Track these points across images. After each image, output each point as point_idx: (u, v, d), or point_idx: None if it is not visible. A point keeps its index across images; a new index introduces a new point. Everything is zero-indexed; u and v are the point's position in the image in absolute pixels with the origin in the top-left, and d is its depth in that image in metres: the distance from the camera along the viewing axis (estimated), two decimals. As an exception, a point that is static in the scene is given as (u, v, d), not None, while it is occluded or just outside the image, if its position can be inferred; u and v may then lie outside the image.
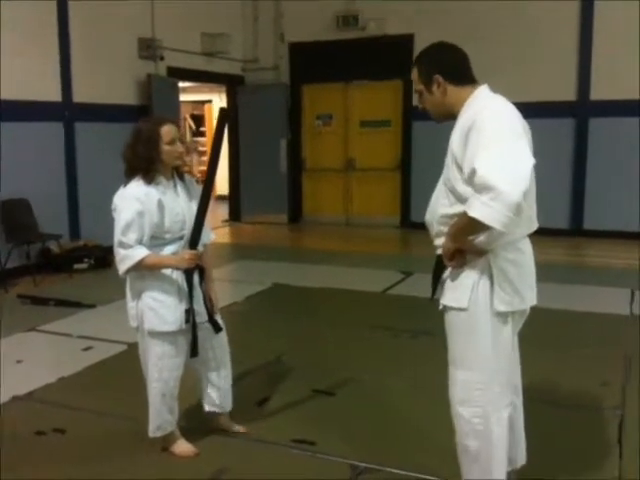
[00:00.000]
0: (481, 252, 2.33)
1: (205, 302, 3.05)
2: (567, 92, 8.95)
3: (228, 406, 3.33)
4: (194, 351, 3.03)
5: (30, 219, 6.95)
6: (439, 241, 2.43)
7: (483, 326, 2.37)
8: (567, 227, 9.16)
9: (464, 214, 2.19)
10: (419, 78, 2.47)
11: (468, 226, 2.21)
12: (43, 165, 7.26)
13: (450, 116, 2.46)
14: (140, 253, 2.83)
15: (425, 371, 4.10)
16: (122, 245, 2.84)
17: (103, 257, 7.35)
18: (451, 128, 2.42)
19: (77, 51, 7.52)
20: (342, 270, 7.15)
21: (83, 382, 4.10)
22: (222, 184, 12.08)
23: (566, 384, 3.94)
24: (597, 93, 8.77)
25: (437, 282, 2.49)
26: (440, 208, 2.43)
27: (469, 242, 2.31)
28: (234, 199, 11.03)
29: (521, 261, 2.44)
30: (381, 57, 9.88)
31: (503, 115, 2.30)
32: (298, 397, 3.77)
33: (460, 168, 2.28)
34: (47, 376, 4.10)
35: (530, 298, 2.50)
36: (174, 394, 3.08)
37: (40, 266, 7.02)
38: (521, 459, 2.72)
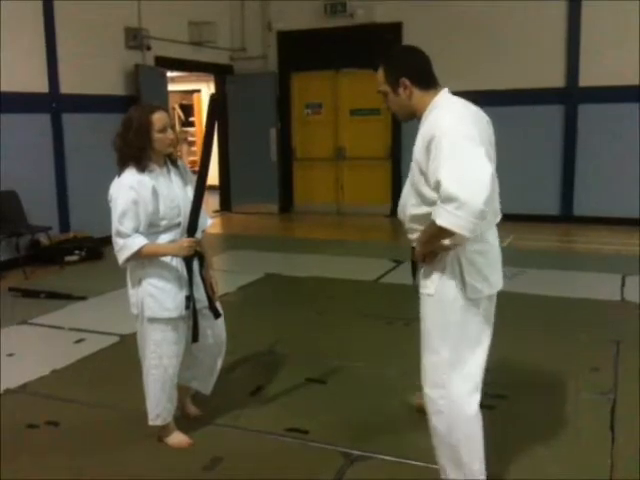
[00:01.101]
0: (450, 248, 2.46)
1: (205, 288, 3.07)
2: (556, 79, 8.96)
3: (209, 390, 3.36)
4: (195, 337, 3.05)
5: (19, 211, 6.91)
6: (411, 236, 2.59)
7: (451, 312, 2.49)
8: (557, 213, 9.20)
9: (432, 223, 2.31)
10: (385, 79, 2.54)
11: (437, 233, 2.34)
12: (31, 157, 7.21)
13: (411, 117, 2.57)
14: (138, 242, 2.84)
15: (418, 358, 4.12)
16: (120, 234, 2.84)
17: (94, 249, 7.33)
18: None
19: (63, 42, 7.46)
20: (334, 259, 7.16)
21: (76, 374, 4.09)
22: (212, 174, 11.90)
23: (557, 369, 3.96)
24: (586, 79, 8.79)
25: (415, 271, 2.67)
26: (410, 208, 2.56)
27: (438, 245, 2.44)
28: (224, 189, 11.00)
29: (487, 250, 2.55)
30: (370, 45, 9.84)
31: (460, 126, 2.37)
32: (291, 386, 3.78)
33: (424, 174, 2.41)
34: (39, 369, 4.09)
35: (497, 283, 2.59)
36: (174, 382, 3.09)
37: (30, 258, 7.00)
38: None
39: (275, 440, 3.18)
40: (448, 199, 2.22)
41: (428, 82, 2.53)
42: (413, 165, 2.50)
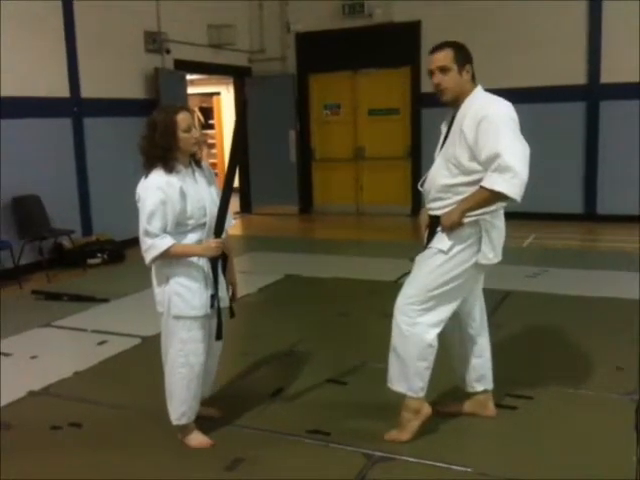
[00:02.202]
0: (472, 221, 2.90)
1: (227, 288, 3.14)
2: (577, 76, 8.87)
3: (210, 391, 3.38)
4: (219, 334, 3.09)
5: (42, 215, 6.99)
6: (434, 204, 3.00)
7: (456, 269, 2.95)
8: (580, 212, 9.10)
9: (481, 190, 2.79)
10: (454, 59, 2.94)
11: (488, 199, 2.81)
12: (53, 161, 7.28)
13: (455, 99, 2.97)
14: (166, 242, 2.88)
15: (438, 359, 4.10)
16: (148, 234, 2.88)
17: (116, 251, 7.39)
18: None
19: (83, 46, 7.52)
20: (354, 260, 7.14)
21: (98, 376, 4.11)
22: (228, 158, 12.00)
23: (581, 369, 3.92)
24: (607, 76, 8.69)
25: (432, 236, 3.01)
26: (441, 179, 2.96)
27: (471, 215, 2.86)
28: (244, 191, 11.03)
29: (499, 226, 3.01)
30: (388, 44, 9.82)
31: (508, 111, 2.89)
32: (312, 387, 3.77)
33: (469, 147, 2.84)
34: (62, 371, 4.12)
35: (499, 254, 3.03)
36: (199, 380, 3.10)
37: (53, 262, 7.07)
38: (478, 383, 3.28)
39: (296, 441, 3.18)
40: (506, 169, 2.72)
41: (475, 77, 3.02)
42: (454, 140, 2.91)
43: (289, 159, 10.60)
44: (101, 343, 4.68)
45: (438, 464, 2.92)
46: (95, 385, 3.97)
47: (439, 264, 2.95)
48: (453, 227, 2.89)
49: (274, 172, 10.58)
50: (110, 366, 4.28)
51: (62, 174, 7.42)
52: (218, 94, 13.82)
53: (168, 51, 8.69)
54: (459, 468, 2.88)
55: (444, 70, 2.94)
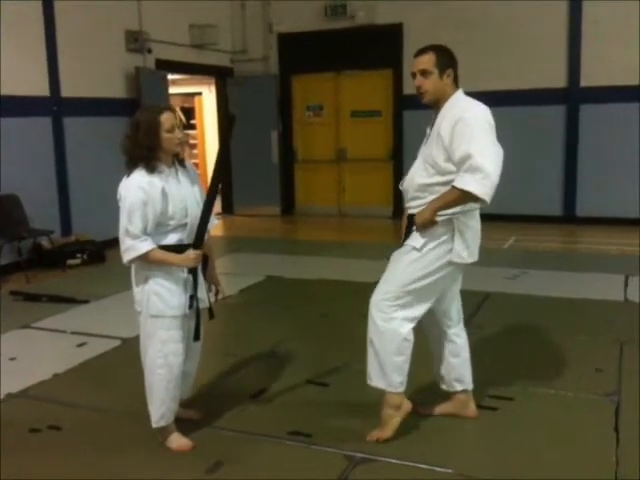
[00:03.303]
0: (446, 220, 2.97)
1: (208, 289, 3.15)
2: (557, 79, 8.94)
3: (189, 393, 3.36)
4: (197, 335, 3.09)
5: (20, 215, 6.91)
6: (413, 203, 3.07)
7: (429, 266, 3.01)
8: (560, 214, 9.18)
9: (452, 190, 2.85)
10: (436, 62, 3.01)
11: (458, 198, 2.87)
12: (32, 161, 7.21)
13: (436, 102, 3.05)
14: (145, 246, 2.88)
15: (419, 360, 4.10)
16: (128, 233, 2.87)
17: (96, 252, 7.33)
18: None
19: (64, 44, 7.45)
20: (336, 261, 7.14)
21: (78, 378, 4.08)
22: (212, 170, 11.96)
23: (561, 371, 3.95)
24: (587, 80, 8.77)
25: (408, 234, 3.07)
26: (418, 178, 3.05)
27: (443, 214, 2.93)
28: (226, 192, 10.99)
29: (474, 226, 3.08)
30: (371, 46, 9.85)
31: (485, 114, 2.96)
32: (293, 388, 3.77)
33: (444, 148, 2.92)
34: (41, 373, 4.08)
35: (475, 255, 3.10)
36: (178, 381, 3.08)
37: (32, 262, 7.00)
38: (457, 383, 3.31)
39: (278, 443, 3.17)
40: (477, 170, 2.77)
41: (457, 81, 3.09)
42: (431, 141, 3.01)
43: (271, 160, 10.57)
44: (81, 345, 4.64)
45: (420, 465, 2.93)
46: (75, 387, 3.93)
47: (413, 260, 3.02)
48: (425, 225, 2.96)
49: (256, 173, 10.55)
50: (90, 368, 4.24)
51: (41, 174, 7.35)
52: (200, 94, 13.77)
53: (149, 50, 8.64)
54: (440, 469, 2.89)
55: (425, 73, 3.01)
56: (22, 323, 5.13)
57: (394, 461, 2.97)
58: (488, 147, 2.84)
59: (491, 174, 2.78)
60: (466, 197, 2.84)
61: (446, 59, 3.04)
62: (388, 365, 3.07)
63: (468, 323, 4.86)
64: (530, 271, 6.40)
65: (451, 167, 2.91)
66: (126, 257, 2.91)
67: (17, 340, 4.81)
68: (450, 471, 2.87)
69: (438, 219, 2.94)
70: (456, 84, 3.07)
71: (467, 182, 2.80)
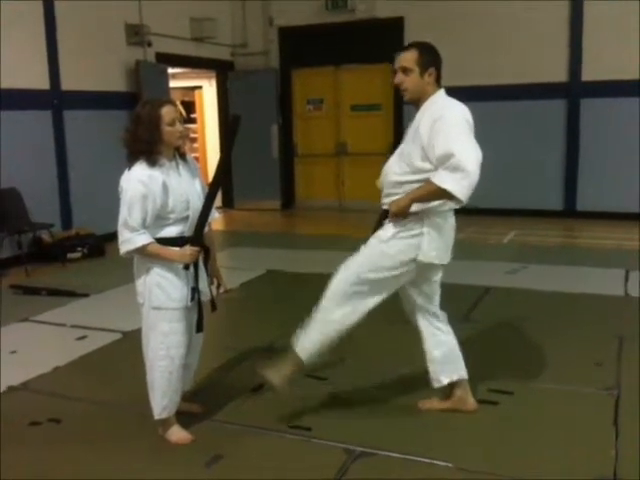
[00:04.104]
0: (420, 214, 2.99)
1: (210, 281, 3.16)
2: (558, 73, 8.93)
3: (189, 385, 3.36)
4: (200, 327, 3.10)
5: (21, 208, 6.91)
6: (387, 200, 3.09)
7: (390, 260, 3.05)
8: (560, 209, 9.17)
9: (430, 183, 2.84)
10: (417, 60, 2.98)
11: (435, 193, 2.86)
12: (32, 154, 7.20)
13: (416, 100, 3.05)
14: (142, 239, 2.89)
15: (419, 354, 4.11)
16: (127, 226, 2.88)
17: (96, 246, 7.33)
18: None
19: (64, 38, 7.44)
20: (336, 255, 7.07)
21: (78, 371, 4.08)
22: (214, 171, 11.97)
23: (560, 365, 3.95)
24: (588, 74, 8.75)
25: (378, 228, 3.14)
26: (392, 175, 3.08)
27: (420, 206, 2.94)
28: (227, 186, 10.97)
29: (445, 227, 3.07)
30: (371, 40, 9.82)
31: (464, 114, 2.95)
32: (293, 382, 3.76)
33: (422, 147, 2.92)
34: (41, 366, 4.08)
35: (444, 258, 3.11)
36: (179, 373, 3.08)
37: (32, 256, 6.99)
38: (443, 376, 3.29)
39: (277, 437, 3.17)
40: (458, 169, 2.76)
41: (439, 81, 3.06)
42: (409, 139, 3.02)
43: (271, 154, 10.56)
44: (81, 338, 4.65)
45: (419, 459, 2.93)
46: (75, 380, 3.93)
47: (378, 250, 3.07)
48: (399, 213, 2.95)
49: (256, 167, 10.53)
50: (90, 361, 4.24)
51: (42, 167, 7.35)
52: (200, 88, 13.74)
53: (150, 44, 8.62)
54: (440, 463, 2.89)
55: (406, 71, 3.01)
56: (22, 316, 5.14)
57: (394, 455, 2.97)
58: (469, 147, 2.84)
59: (471, 174, 2.78)
60: (443, 194, 2.84)
61: (429, 57, 3.02)
62: (324, 344, 3.21)
63: (467, 317, 4.89)
64: (530, 265, 6.40)
65: (427, 166, 2.91)
66: (123, 249, 2.93)
67: (17, 333, 4.82)
68: (450, 465, 2.88)
69: (413, 209, 2.94)
70: (438, 84, 3.05)
71: (445, 180, 2.80)
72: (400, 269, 3.05)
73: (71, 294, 5.71)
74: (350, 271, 3.12)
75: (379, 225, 3.13)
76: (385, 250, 3.05)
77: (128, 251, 2.92)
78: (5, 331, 4.82)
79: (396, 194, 3.02)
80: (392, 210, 2.98)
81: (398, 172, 3.05)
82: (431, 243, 3.01)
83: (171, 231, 2.98)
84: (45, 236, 7.15)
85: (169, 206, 2.93)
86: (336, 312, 3.13)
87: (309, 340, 3.19)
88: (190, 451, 3.06)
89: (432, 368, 3.32)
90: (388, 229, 3.06)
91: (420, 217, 2.99)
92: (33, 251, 7.11)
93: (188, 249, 2.94)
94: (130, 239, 2.89)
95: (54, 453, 3.08)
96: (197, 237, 2.97)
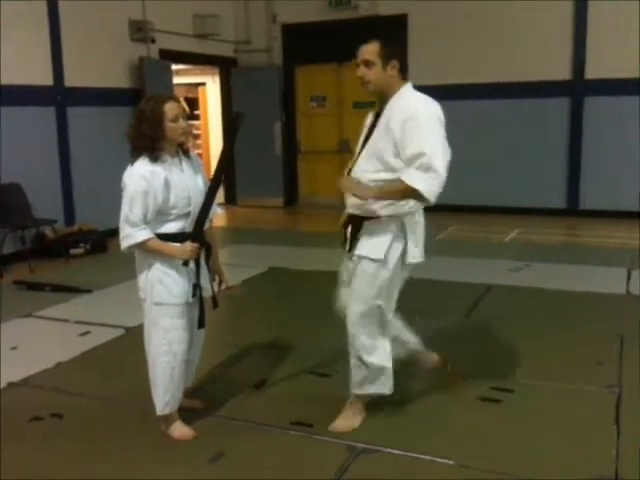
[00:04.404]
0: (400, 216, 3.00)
1: (212, 278, 3.17)
2: (562, 71, 8.91)
3: (191, 381, 3.37)
4: (201, 322, 3.11)
5: (24, 204, 6.92)
6: (357, 202, 3.00)
7: (387, 273, 3.02)
8: (563, 207, 9.16)
9: (400, 182, 2.83)
10: (379, 53, 2.99)
11: (404, 192, 2.85)
12: (36, 150, 7.21)
13: (380, 93, 3.03)
14: (143, 235, 2.90)
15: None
16: (128, 221, 2.90)
17: (99, 242, 7.34)
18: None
19: (68, 34, 7.44)
20: (338, 253, 7.12)
21: (81, 367, 4.09)
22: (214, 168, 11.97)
23: (562, 363, 3.95)
24: (592, 72, 8.73)
25: (353, 238, 3.10)
26: (365, 174, 2.99)
27: (398, 209, 2.94)
28: (229, 183, 10.98)
29: (421, 223, 3.11)
30: (374, 38, 9.77)
31: (435, 111, 2.92)
32: (295, 379, 3.78)
33: (394, 144, 2.88)
34: (44, 362, 4.09)
35: (423, 254, 3.13)
36: (182, 369, 3.09)
37: (35, 252, 7.01)
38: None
39: (280, 433, 3.18)
40: (429, 168, 2.77)
41: (405, 74, 3.05)
42: (380, 136, 2.95)
43: (274, 151, 10.56)
44: (84, 334, 4.66)
45: (421, 456, 2.94)
46: (77, 376, 3.94)
47: (376, 272, 3.03)
48: (361, 197, 2.93)
49: (259, 164, 10.53)
50: (93, 357, 4.25)
51: (45, 163, 7.36)
52: (203, 85, 13.75)
53: (153, 40, 8.61)
54: (442, 460, 2.90)
55: (368, 64, 3.00)
56: (25, 312, 5.15)
57: (395, 452, 2.98)
58: (440, 146, 2.83)
59: (441, 174, 2.78)
60: (412, 194, 2.83)
61: (391, 50, 3.01)
62: (383, 372, 3.17)
63: (469, 315, 4.89)
64: (533, 264, 6.40)
65: (400, 163, 2.89)
66: (123, 244, 2.95)
67: (20, 329, 4.83)
68: (451, 462, 2.88)
69: (390, 212, 2.95)
70: (403, 76, 3.03)
71: (415, 180, 2.80)
72: (397, 275, 3.09)
73: (74, 290, 5.73)
74: (365, 303, 3.08)
75: (355, 237, 3.09)
76: (385, 267, 3.02)
77: (129, 246, 2.93)
78: (9, 326, 4.83)
79: None
80: (355, 190, 2.95)
81: (372, 170, 2.99)
82: (414, 242, 3.04)
83: (172, 227, 2.99)
84: (48, 232, 7.16)
85: (170, 202, 2.94)
86: (366, 338, 3.13)
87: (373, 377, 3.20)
88: (193, 447, 3.07)
89: (421, 349, 3.46)
90: (375, 245, 3.02)
91: (400, 219, 3.00)
92: (36, 247, 7.12)
93: (188, 245, 2.95)
94: (131, 234, 2.90)
95: (57, 448, 3.09)
96: (197, 233, 2.98)
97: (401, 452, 2.97)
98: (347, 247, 3.16)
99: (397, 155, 2.89)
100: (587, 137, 8.93)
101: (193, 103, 14.19)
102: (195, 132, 14.28)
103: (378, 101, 3.09)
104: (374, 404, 3.31)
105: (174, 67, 9.59)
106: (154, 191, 2.89)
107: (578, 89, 8.87)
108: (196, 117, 14.18)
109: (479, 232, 8.08)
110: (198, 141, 14.02)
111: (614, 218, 8.59)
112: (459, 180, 9.07)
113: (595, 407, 3.39)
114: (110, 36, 8.10)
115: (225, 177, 10.99)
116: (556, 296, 5.35)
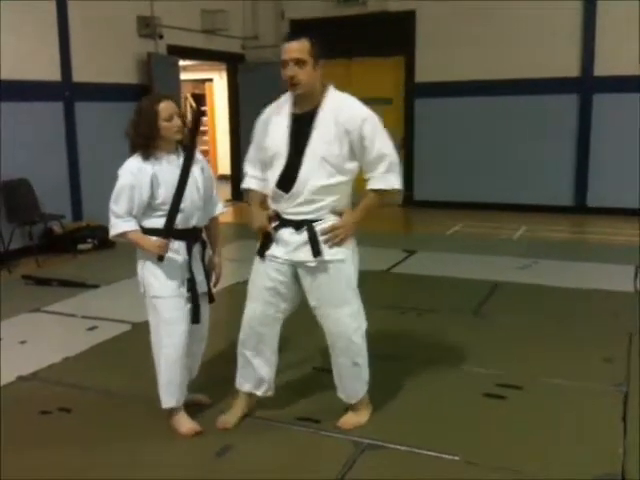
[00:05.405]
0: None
1: (206, 275, 3.20)
2: (571, 68, 8.88)
3: (195, 374, 3.37)
4: (196, 317, 3.13)
5: (32, 199, 6.94)
6: (305, 208, 2.91)
7: (354, 271, 3.13)
8: (571, 204, 9.14)
9: (374, 195, 2.95)
10: (310, 52, 2.87)
11: (383, 197, 2.97)
12: (44, 145, 7.23)
13: (308, 94, 2.92)
14: (125, 226, 3.00)
15: (430, 347, 4.11)
16: (112, 212, 3.02)
17: (106, 237, 7.33)
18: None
19: (76, 30, 7.45)
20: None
21: (88, 361, 4.11)
22: (224, 164, 12.03)
23: (570, 360, 3.95)
24: (601, 69, 8.71)
25: (315, 246, 2.96)
26: (315, 180, 2.86)
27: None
28: (236, 179, 10.99)
29: None
30: (383, 34, 9.79)
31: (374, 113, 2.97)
32: (301, 375, 3.78)
33: (351, 147, 2.86)
34: (52, 356, 4.11)
35: None
36: (183, 362, 3.11)
37: (43, 247, 7.03)
38: None
39: (286, 429, 3.19)
40: (395, 166, 2.92)
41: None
42: (330, 140, 2.85)
43: (281, 147, 10.54)
44: (91, 329, 4.68)
45: (427, 452, 2.94)
46: (85, 370, 3.96)
47: (347, 272, 3.10)
48: (343, 240, 3.02)
49: (266, 160, 10.51)
50: (100, 351, 4.27)
51: (53, 158, 7.37)
52: (211, 80, 13.76)
53: (161, 36, 8.62)
54: (447, 456, 2.90)
55: (300, 62, 2.85)
56: (33, 307, 5.17)
57: (401, 448, 2.98)
58: (391, 144, 2.95)
59: (399, 169, 2.96)
60: (389, 195, 2.95)
61: (319, 49, 2.91)
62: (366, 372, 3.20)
63: (477, 312, 4.89)
64: (540, 261, 6.38)
65: (355, 166, 2.93)
66: (110, 232, 3.07)
67: (28, 324, 4.86)
68: (457, 458, 2.88)
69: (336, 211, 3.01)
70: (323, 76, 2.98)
71: (393, 182, 2.92)
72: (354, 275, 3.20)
73: (81, 285, 5.75)
74: (351, 306, 3.16)
75: (315, 243, 2.96)
76: (351, 267, 3.13)
77: (114, 235, 3.06)
78: (16, 321, 4.86)
79: (319, 200, 2.90)
80: (343, 236, 3.00)
81: (324, 175, 2.87)
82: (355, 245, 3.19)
83: (159, 222, 3.01)
84: (56, 227, 7.18)
85: (159, 198, 2.99)
86: (358, 339, 3.17)
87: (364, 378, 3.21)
88: (199, 442, 3.07)
89: None
90: (337, 248, 3.04)
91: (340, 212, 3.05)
92: (44, 242, 7.15)
93: (157, 240, 2.98)
94: (115, 224, 3.02)
95: (64, 442, 3.11)
96: (167, 228, 2.98)
97: (407, 448, 2.97)
98: (312, 252, 2.99)
99: (353, 158, 2.91)
100: (595, 134, 8.90)
101: (200, 99, 14.22)
102: (202, 128, 14.28)
103: (300, 102, 2.97)
104: (379, 401, 3.31)
105: (182, 63, 9.61)
106: (140, 187, 2.95)
107: (587, 86, 8.84)
108: (203, 113, 14.20)
109: (487, 229, 8.06)
110: (205, 137, 14.04)
111: (622, 215, 8.57)
112: (467, 177, 9.14)
113: (602, 405, 3.38)
114: (118, 32, 8.11)
115: (232, 173, 11.01)
116: (564, 293, 5.34)
